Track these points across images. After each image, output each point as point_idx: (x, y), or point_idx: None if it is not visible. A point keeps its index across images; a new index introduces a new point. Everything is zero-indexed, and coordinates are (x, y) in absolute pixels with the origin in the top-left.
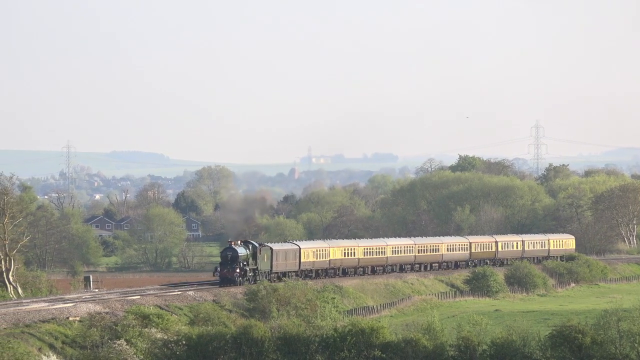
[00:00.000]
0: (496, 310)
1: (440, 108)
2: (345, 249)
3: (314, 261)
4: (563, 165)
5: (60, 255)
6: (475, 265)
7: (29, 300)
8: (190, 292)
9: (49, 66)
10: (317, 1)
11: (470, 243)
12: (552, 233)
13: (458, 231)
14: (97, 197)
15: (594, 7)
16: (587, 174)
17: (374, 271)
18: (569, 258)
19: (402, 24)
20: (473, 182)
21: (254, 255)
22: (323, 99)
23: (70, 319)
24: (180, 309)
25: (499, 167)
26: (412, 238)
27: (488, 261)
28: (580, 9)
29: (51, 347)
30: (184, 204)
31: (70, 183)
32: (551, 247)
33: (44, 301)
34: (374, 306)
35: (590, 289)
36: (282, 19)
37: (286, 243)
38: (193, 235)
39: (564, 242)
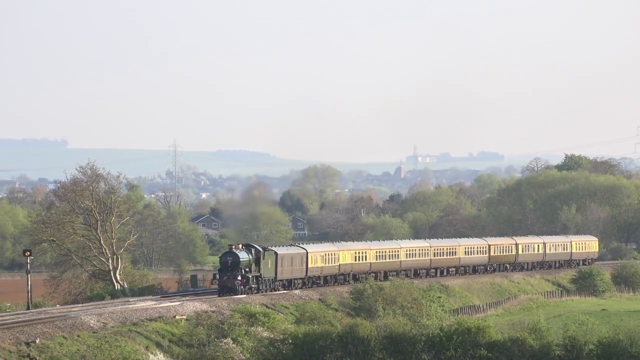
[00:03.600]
0: (603, 309)
1: (546, 107)
2: (356, 253)
3: (322, 266)
4: None
5: (166, 254)
6: (494, 270)
7: (136, 299)
8: (296, 291)
9: (158, 67)
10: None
11: (489, 245)
12: (575, 235)
13: (564, 230)
14: (204, 195)
15: None
16: None
17: (386, 277)
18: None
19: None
20: (579, 181)
21: (257, 261)
22: (430, 97)
23: (177, 317)
24: (286, 307)
25: (605, 167)
26: (428, 240)
27: (508, 265)
28: None
29: (158, 345)
30: (290, 203)
31: (177, 182)
32: (574, 250)
33: (151, 299)
34: (480, 305)
35: None
36: (391, 17)
37: (292, 246)
38: (299, 234)
39: (587, 245)
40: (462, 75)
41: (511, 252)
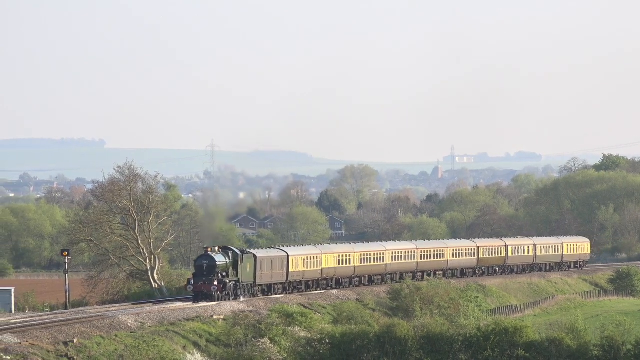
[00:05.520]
0: None
1: (584, 106)
2: (339, 256)
3: (304, 271)
4: None
5: None
6: (483, 274)
7: (173, 299)
8: (334, 291)
9: (196, 67)
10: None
11: (478, 247)
12: (565, 236)
13: (602, 230)
14: (241, 195)
15: None
16: None
17: (371, 281)
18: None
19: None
20: (617, 181)
21: (235, 265)
22: (467, 97)
23: (215, 317)
24: (323, 307)
25: None
26: (415, 242)
27: (497, 268)
28: None
29: (195, 345)
30: (327, 203)
31: (215, 182)
32: (565, 252)
33: (189, 299)
34: (518, 305)
35: None
36: (427, 15)
37: (272, 249)
38: (336, 234)
39: (579, 247)
40: (499, 74)
41: (500, 254)
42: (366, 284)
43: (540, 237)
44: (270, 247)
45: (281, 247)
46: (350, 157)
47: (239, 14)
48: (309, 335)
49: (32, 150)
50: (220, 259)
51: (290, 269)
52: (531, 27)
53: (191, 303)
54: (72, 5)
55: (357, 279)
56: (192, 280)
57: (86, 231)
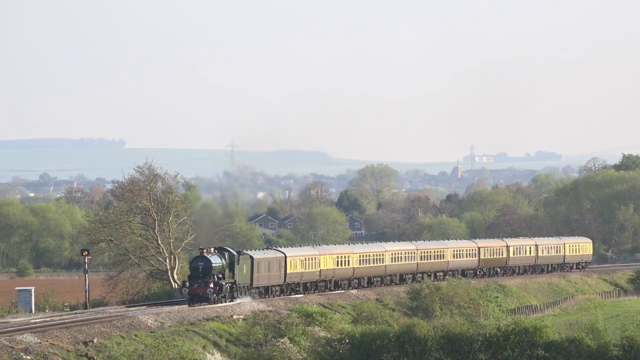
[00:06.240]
0: None
1: (604, 106)
2: (338, 257)
3: (302, 272)
4: None
5: None
6: (484, 275)
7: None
8: (353, 291)
9: (216, 67)
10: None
11: (479, 248)
12: (568, 236)
13: (622, 230)
14: (260, 195)
15: None
16: None
17: (370, 283)
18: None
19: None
20: (637, 181)
21: (231, 266)
22: (487, 97)
23: (235, 317)
24: (343, 307)
25: None
26: (415, 243)
27: (498, 269)
28: None
29: (215, 345)
30: (347, 203)
31: (234, 181)
32: (567, 253)
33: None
34: (538, 305)
35: None
36: (447, 15)
37: (269, 250)
38: (356, 233)
39: (581, 247)
40: (519, 74)
41: (502, 255)
42: (365, 285)
43: (542, 238)
44: (267, 248)
45: (278, 249)
46: (370, 157)
47: (256, 14)
48: (329, 335)
49: (52, 150)
50: (216, 261)
51: (288, 270)
52: (552, 26)
53: (208, 304)
54: (93, 5)
55: (356, 280)
56: (187, 283)
57: (106, 231)
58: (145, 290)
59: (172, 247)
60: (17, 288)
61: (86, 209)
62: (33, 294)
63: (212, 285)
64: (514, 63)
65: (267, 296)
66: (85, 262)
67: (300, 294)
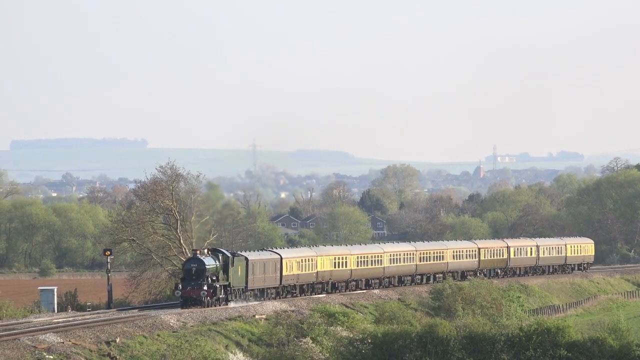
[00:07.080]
0: None
1: (627, 106)
2: (335, 259)
3: (298, 274)
4: None
5: None
6: (485, 277)
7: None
8: (376, 291)
9: (237, 68)
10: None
11: (480, 249)
12: (569, 237)
13: None
14: (283, 195)
15: None
16: None
17: (368, 285)
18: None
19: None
20: None
21: (225, 268)
22: (509, 97)
23: (257, 317)
24: (365, 307)
25: None
26: (414, 243)
27: (499, 271)
28: None
29: (237, 344)
30: (369, 203)
31: (256, 181)
32: (569, 254)
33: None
34: (560, 305)
35: None
36: (471, 14)
37: (264, 251)
38: (378, 233)
39: (583, 248)
40: (542, 74)
41: (502, 255)
42: (363, 288)
43: (543, 238)
44: (262, 250)
45: (274, 250)
46: (392, 157)
47: (274, 13)
48: (351, 335)
49: (75, 150)
50: (209, 262)
51: (284, 272)
52: (575, 27)
53: (232, 303)
54: (122, 5)
55: (354, 282)
56: (179, 285)
57: (128, 231)
58: (168, 290)
59: (194, 247)
60: (39, 288)
61: (109, 208)
62: (56, 293)
63: (205, 287)
64: (537, 63)
65: (262, 299)
66: (107, 262)
67: (322, 293)
